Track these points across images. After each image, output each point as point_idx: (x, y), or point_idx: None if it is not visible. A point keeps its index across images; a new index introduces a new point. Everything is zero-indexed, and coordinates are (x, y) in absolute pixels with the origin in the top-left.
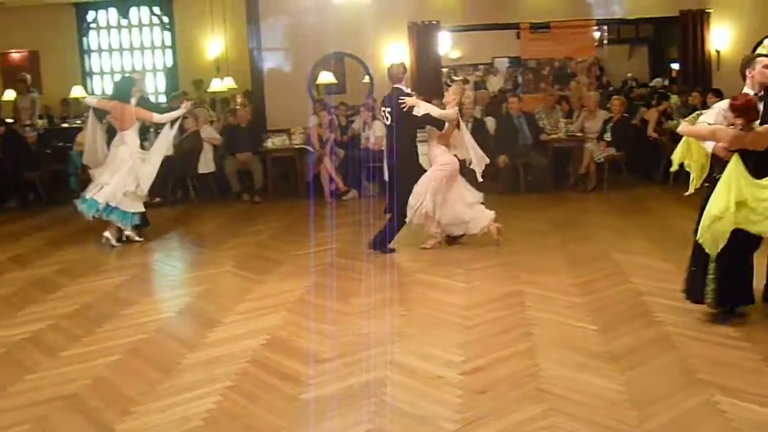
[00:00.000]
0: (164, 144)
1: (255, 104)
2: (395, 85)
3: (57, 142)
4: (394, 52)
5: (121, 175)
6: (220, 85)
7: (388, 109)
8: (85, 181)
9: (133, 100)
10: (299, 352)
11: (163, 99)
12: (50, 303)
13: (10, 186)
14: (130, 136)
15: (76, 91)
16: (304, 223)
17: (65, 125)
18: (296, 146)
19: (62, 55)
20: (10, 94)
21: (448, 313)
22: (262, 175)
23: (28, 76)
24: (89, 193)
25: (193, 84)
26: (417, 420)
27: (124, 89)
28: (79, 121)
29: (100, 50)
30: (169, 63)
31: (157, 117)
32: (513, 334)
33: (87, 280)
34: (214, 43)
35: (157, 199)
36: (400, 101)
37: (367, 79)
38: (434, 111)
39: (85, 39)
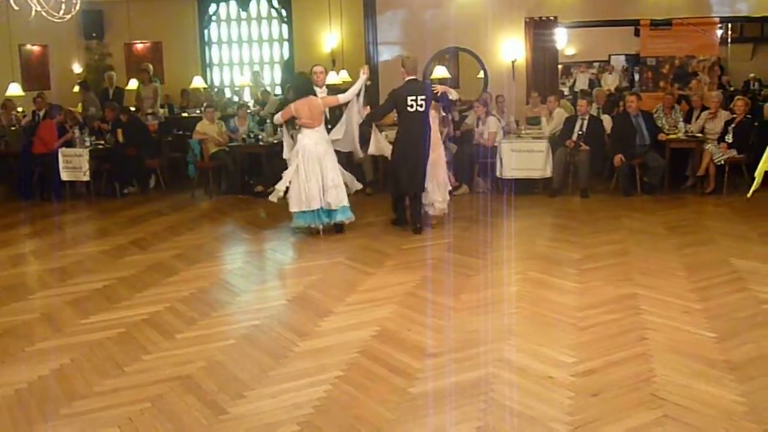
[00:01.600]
0: (355, 118)
1: (369, 98)
2: (413, 77)
3: (177, 130)
4: (510, 47)
5: (338, 172)
6: (335, 78)
7: (422, 97)
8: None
9: (320, 91)
10: (409, 345)
11: (278, 91)
12: (168, 286)
13: (132, 172)
14: (323, 130)
15: (197, 81)
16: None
17: (185, 114)
18: None
19: (184, 47)
20: (133, 84)
21: (560, 313)
22: (372, 168)
23: (151, 67)
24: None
25: None
26: (526, 420)
27: (307, 85)
28: (198, 111)
29: (219, 42)
30: (286, 56)
31: (342, 97)
32: (627, 338)
33: (203, 265)
34: (330, 37)
35: (271, 189)
36: (434, 90)
37: (481, 74)
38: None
39: (206, 31)
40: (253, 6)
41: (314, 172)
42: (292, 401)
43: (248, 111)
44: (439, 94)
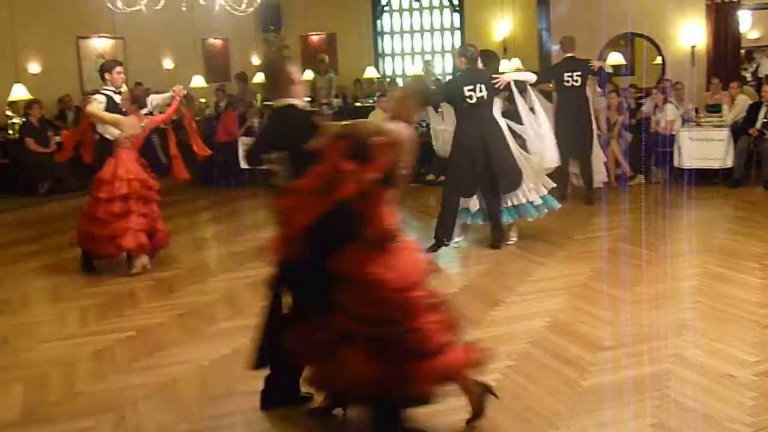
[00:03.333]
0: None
1: None
2: (569, 55)
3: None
4: (689, 32)
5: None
6: (507, 66)
7: (578, 73)
8: None
9: None
10: (581, 337)
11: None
12: None
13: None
14: None
15: (370, 72)
16: (587, 207)
17: (358, 104)
18: None
19: (357, 37)
20: (309, 75)
21: (741, 309)
22: None
23: (327, 57)
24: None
25: None
26: (704, 419)
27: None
28: (371, 101)
29: (392, 32)
30: (457, 44)
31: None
32: None
33: None
34: (502, 24)
35: (443, 178)
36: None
37: (659, 60)
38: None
39: (378, 21)
40: None
41: None
42: None
43: None
44: (595, 69)
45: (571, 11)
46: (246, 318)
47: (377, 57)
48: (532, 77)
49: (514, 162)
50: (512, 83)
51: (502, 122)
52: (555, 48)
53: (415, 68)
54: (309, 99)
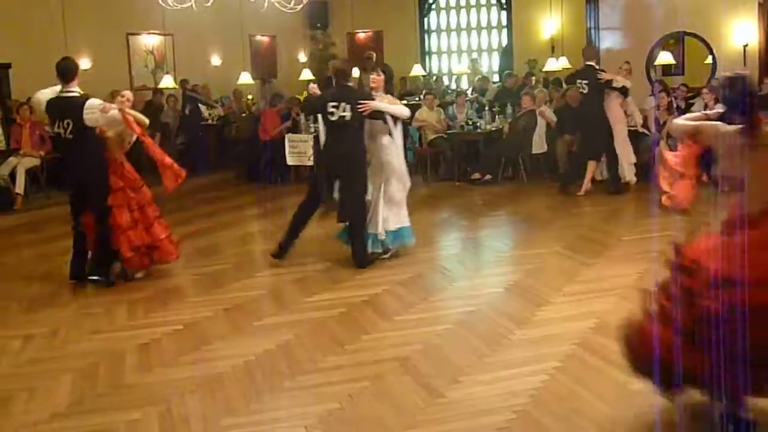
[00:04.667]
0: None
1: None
2: (588, 63)
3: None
4: (741, 31)
5: None
6: (555, 64)
7: (585, 81)
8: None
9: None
10: None
11: (496, 78)
12: (387, 269)
13: None
14: None
15: (416, 70)
16: (635, 208)
17: (404, 102)
18: (631, 128)
19: (404, 35)
20: (356, 72)
21: None
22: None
23: (374, 55)
24: None
25: (527, 63)
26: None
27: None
28: (417, 98)
29: (438, 30)
30: (504, 43)
31: None
32: None
33: (420, 250)
34: (550, 22)
35: (488, 176)
36: (597, 76)
37: (709, 59)
38: (626, 82)
39: (425, 19)
40: None
41: None
42: (508, 389)
43: (466, 98)
44: (603, 82)
45: (620, 10)
46: (291, 314)
47: (423, 55)
48: (404, 113)
49: (360, 194)
50: (389, 117)
51: (384, 147)
52: (604, 47)
53: (462, 66)
54: None
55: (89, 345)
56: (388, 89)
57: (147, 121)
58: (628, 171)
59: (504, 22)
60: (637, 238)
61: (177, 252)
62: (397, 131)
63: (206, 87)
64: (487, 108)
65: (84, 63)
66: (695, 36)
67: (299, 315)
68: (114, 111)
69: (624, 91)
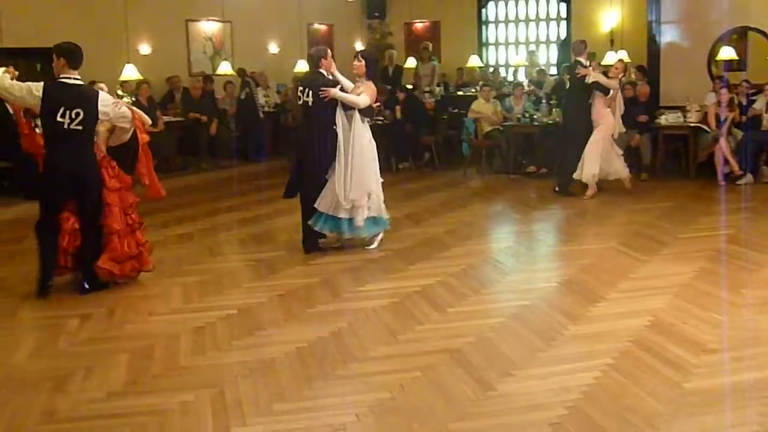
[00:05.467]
0: None
1: (650, 79)
2: (577, 59)
3: (452, 108)
4: None
5: None
6: (614, 58)
7: (568, 77)
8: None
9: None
10: (684, 338)
11: (553, 71)
12: (439, 261)
13: (408, 148)
14: None
15: (473, 61)
16: (693, 205)
17: (460, 93)
18: (691, 124)
19: (461, 26)
20: (412, 62)
21: None
22: (650, 153)
23: (430, 45)
24: None
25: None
26: None
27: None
28: (473, 90)
29: (496, 21)
30: (563, 35)
31: None
32: None
33: (473, 242)
34: (610, 15)
35: (543, 170)
36: (577, 72)
37: None
38: (602, 80)
39: (483, 10)
40: None
41: None
42: (560, 384)
43: (523, 91)
44: (580, 76)
45: (682, 3)
46: (344, 302)
47: (481, 46)
48: (362, 102)
49: (320, 174)
50: (340, 104)
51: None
52: (665, 41)
53: (519, 58)
54: (411, 86)
55: (145, 326)
56: (369, 75)
57: (150, 121)
58: (587, 172)
59: (563, 13)
60: (694, 236)
61: (151, 263)
62: (355, 119)
63: (263, 74)
64: (544, 101)
65: (144, 48)
66: (759, 31)
67: (352, 304)
68: (124, 107)
69: (602, 90)
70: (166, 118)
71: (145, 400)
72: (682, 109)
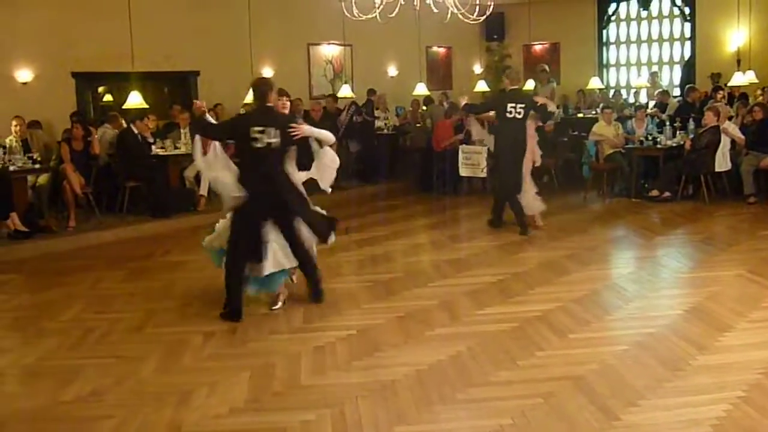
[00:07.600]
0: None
1: None
2: (515, 87)
3: (572, 131)
4: None
5: None
6: (741, 79)
7: (522, 105)
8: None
9: None
10: None
11: (677, 92)
12: (560, 285)
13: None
14: None
15: (594, 82)
16: None
17: (580, 115)
18: None
19: (581, 47)
20: (530, 84)
21: None
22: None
23: (548, 67)
24: None
25: (710, 77)
26: None
27: None
28: (593, 112)
29: (618, 42)
30: (687, 55)
31: None
32: None
33: (595, 267)
34: (737, 34)
35: (667, 194)
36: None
37: None
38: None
39: (604, 31)
40: (654, 4)
41: None
42: (688, 416)
43: (646, 113)
44: (538, 105)
45: None
46: (463, 326)
47: (601, 67)
48: (330, 138)
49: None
50: (311, 139)
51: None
52: None
53: (641, 80)
54: None
55: (267, 344)
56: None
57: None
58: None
59: (687, 34)
60: None
61: None
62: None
63: (382, 96)
64: (667, 123)
65: (266, 71)
66: None
67: (471, 327)
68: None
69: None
70: None
71: (267, 417)
72: None
